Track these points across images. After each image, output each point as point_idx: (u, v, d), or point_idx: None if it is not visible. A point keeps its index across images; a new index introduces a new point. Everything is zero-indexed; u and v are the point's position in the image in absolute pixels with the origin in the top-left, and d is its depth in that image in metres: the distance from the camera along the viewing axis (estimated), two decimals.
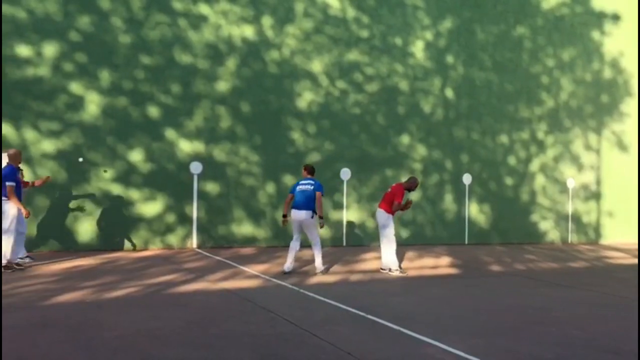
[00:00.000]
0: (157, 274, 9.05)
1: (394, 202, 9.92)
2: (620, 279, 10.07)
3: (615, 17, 17.22)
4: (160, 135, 12.38)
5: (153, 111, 12.33)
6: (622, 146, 17.33)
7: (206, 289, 7.99)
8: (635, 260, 12.69)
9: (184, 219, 12.55)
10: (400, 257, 12.22)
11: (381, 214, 9.99)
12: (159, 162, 12.38)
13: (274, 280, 8.88)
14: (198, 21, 12.75)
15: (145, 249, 12.08)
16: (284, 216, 9.56)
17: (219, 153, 12.92)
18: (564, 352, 5.30)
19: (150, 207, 12.25)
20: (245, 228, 13.11)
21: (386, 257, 9.88)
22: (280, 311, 6.65)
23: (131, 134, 12.10)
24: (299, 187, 9.40)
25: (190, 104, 12.67)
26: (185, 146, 12.63)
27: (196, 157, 12.72)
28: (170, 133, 12.47)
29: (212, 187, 12.84)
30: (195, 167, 12.67)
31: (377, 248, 13.75)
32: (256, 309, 6.80)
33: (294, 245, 9.52)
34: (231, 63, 13.05)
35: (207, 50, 12.83)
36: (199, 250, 12.19)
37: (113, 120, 11.92)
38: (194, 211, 12.65)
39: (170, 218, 12.42)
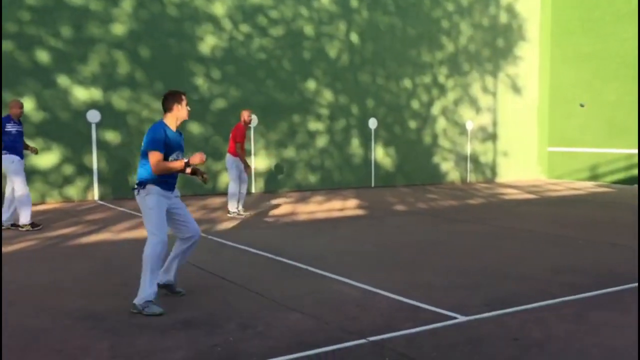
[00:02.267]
0: (57, 227, 8.65)
1: (236, 143, 9.77)
2: (513, 212, 10.76)
3: None
4: (51, 82, 11.60)
5: (42, 56, 11.50)
6: (516, 89, 18.20)
7: (109, 240, 7.75)
8: (527, 196, 13.58)
9: (83, 170, 11.99)
10: (308, 201, 12.38)
11: (227, 158, 10.00)
12: (52, 111, 11.65)
13: None
14: None
15: (42, 202, 11.47)
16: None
17: (118, 100, 12.33)
18: (458, 279, 5.64)
19: (45, 159, 11.57)
20: None
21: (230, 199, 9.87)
22: None
23: (19, 81, 11.25)
24: None
25: (83, 48, 11.91)
26: (81, 93, 11.93)
27: (93, 105, 12.07)
28: (63, 79, 11.72)
29: (112, 136, 12.29)
30: (93, 116, 12.04)
31: (286, 194, 13.85)
32: None
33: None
34: (127, 4, 12.32)
35: None
36: (102, 202, 11.75)
37: None
38: (94, 162, 12.09)
39: (68, 169, 11.81)
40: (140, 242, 7.37)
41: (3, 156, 8.17)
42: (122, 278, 5.61)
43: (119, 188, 12.35)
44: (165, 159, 4.72)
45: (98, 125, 12.09)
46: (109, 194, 12.26)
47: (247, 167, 9.90)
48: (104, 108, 12.14)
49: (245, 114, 10.01)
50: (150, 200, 4.67)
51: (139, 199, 4.74)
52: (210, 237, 7.93)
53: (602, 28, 16.54)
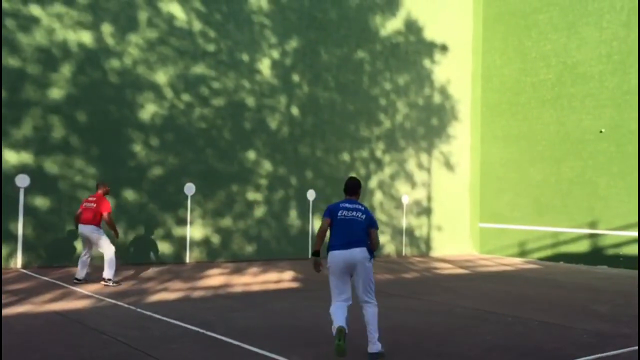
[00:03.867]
0: None
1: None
2: (446, 287, 10.92)
3: (444, 48, 18.84)
4: None
5: None
6: (449, 166, 18.90)
7: (30, 312, 7.33)
8: (459, 271, 13.86)
9: (8, 236, 11.43)
10: (244, 272, 12.18)
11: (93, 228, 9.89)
12: None
13: (108, 300, 8.39)
14: (28, 22, 11.80)
15: (1, 265, 10.81)
16: (316, 254, 5.81)
17: (51, 165, 11.99)
18: (394, 358, 5.61)
19: None
20: (78, 245, 12.26)
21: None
22: (113, 332, 6.29)
23: None
24: (342, 213, 5.84)
25: (17, 111, 11.64)
26: (11, 157, 11.55)
27: (23, 169, 11.68)
28: None
29: (41, 202, 11.86)
30: (22, 180, 11.62)
31: (221, 264, 13.60)
32: (87, 331, 6.37)
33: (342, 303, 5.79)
34: (66, 69, 12.23)
35: (38, 54, 11.90)
36: (25, 271, 11.17)
37: None
38: (19, 227, 11.57)
39: None
40: (62, 316, 7.02)
41: None
42: (39, 355, 5.28)
43: (44, 256, 11.81)
44: None
45: (27, 190, 11.67)
46: (34, 262, 11.69)
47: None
48: (35, 172, 11.76)
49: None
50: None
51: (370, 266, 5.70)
52: (139, 310, 7.64)
53: (528, 112, 17.59)
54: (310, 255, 5.01)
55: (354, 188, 5.99)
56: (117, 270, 10.25)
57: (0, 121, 11.43)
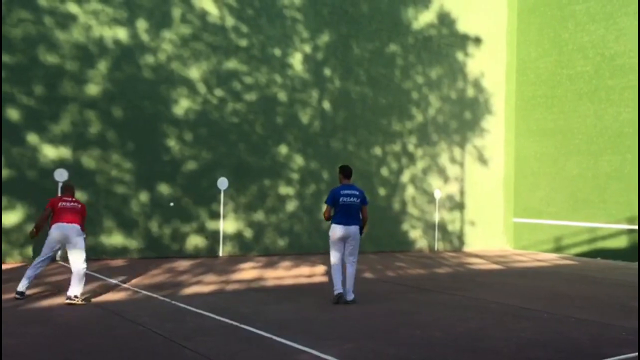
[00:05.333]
0: (15, 288, 8.36)
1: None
2: (479, 282, 10.81)
3: (477, 40, 18.59)
4: (20, 140, 11.50)
5: (12, 114, 11.44)
6: (482, 160, 18.67)
7: (70, 304, 7.51)
8: (493, 266, 13.70)
9: (47, 230, 11.70)
10: (276, 266, 12.25)
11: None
12: (19, 168, 11.50)
13: (145, 292, 8.54)
14: (66, 20, 12.05)
15: (2, 262, 11.12)
16: (328, 219, 8.14)
17: (88, 160, 12.25)
18: (427, 353, 5.59)
19: (8, 217, 11.31)
20: (115, 239, 12.51)
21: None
22: (149, 324, 6.41)
23: None
24: (343, 200, 7.97)
25: (56, 107, 11.91)
26: (50, 152, 11.84)
27: (62, 163, 11.95)
28: (32, 137, 11.63)
29: (79, 196, 12.09)
30: (60, 174, 11.90)
31: (254, 257, 13.72)
32: (124, 322, 6.50)
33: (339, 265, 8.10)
34: (102, 65, 12.45)
35: (75, 51, 12.14)
36: (64, 264, 11.44)
37: None
38: None
39: (31, 229, 11.53)
40: (100, 308, 7.17)
41: None
42: (81, 345, 5.42)
43: None
44: None
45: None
46: None
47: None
48: (73, 167, 12.03)
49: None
50: None
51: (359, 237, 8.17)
52: (174, 302, 7.76)
53: (564, 105, 17.25)
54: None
55: (350, 173, 8.35)
56: (153, 265, 10.37)
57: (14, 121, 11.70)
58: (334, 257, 8.04)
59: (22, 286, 7.76)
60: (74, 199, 8.09)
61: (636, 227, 15.24)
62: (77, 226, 7.78)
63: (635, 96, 15.50)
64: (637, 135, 15.36)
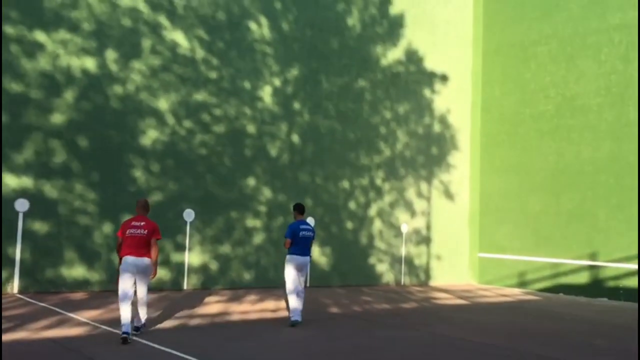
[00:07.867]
0: None
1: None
2: (445, 318, 10.84)
3: (444, 78, 19.02)
4: None
5: None
6: (449, 195, 18.92)
7: (25, 339, 7.27)
8: (458, 301, 13.77)
9: (5, 261, 11.38)
10: (241, 300, 12.09)
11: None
12: None
13: (104, 327, 8.32)
14: (32, 48, 11.93)
15: None
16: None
17: (50, 189, 12.01)
18: None
19: None
20: (76, 271, 12.20)
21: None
22: None
23: None
24: (302, 233, 9.29)
25: (19, 135, 11.70)
26: (11, 181, 11.57)
27: (23, 193, 11.69)
28: None
29: (40, 226, 11.84)
30: (21, 205, 11.62)
31: (219, 291, 13.51)
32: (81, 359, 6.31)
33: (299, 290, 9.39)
34: (69, 95, 12.32)
35: (41, 80, 12.01)
36: (21, 296, 11.10)
37: None
38: (17, 252, 11.54)
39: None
40: (57, 344, 6.95)
41: None
42: None
43: (42, 281, 11.75)
44: None
45: (26, 214, 11.66)
46: (31, 288, 11.63)
47: None
48: (34, 197, 11.77)
49: None
50: None
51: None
52: (135, 338, 7.57)
53: (527, 143, 17.67)
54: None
55: (304, 210, 9.62)
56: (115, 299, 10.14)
57: (0, 145, 11.48)
58: (292, 283, 9.15)
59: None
60: (142, 222, 7.74)
61: (596, 263, 15.56)
62: (147, 260, 7.66)
63: (594, 136, 15.98)
64: (596, 174, 15.80)
